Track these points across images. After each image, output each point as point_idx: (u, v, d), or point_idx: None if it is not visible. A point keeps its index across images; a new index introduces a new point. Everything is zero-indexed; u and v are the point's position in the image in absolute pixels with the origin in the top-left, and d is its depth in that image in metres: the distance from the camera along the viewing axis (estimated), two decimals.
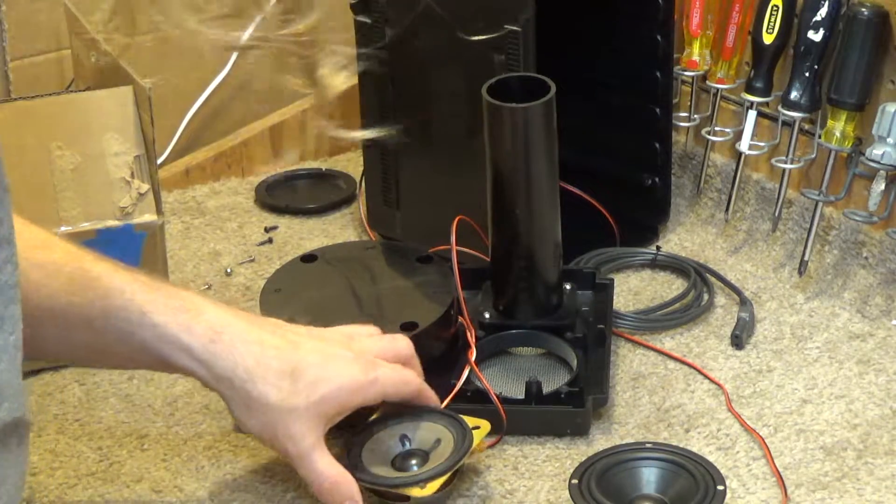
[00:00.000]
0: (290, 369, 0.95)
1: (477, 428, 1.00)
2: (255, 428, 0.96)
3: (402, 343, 1.03)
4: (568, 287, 1.17)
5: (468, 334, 1.11)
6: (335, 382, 0.96)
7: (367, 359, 0.99)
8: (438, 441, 0.99)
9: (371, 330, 1.04)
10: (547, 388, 1.07)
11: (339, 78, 0.84)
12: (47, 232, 0.96)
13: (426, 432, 1.00)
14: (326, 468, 0.95)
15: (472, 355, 1.09)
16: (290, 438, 0.95)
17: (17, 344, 0.73)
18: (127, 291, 0.93)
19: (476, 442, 0.99)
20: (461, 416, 1.01)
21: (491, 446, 1.05)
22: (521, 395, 1.08)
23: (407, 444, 1.00)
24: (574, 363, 1.11)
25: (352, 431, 1.01)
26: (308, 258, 1.23)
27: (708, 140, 1.37)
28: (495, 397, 1.06)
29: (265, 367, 0.95)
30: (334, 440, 0.99)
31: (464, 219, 1.14)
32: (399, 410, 1.02)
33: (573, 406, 1.06)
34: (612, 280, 1.21)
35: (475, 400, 1.07)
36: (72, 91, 1.28)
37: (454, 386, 1.06)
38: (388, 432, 1.01)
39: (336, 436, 1.00)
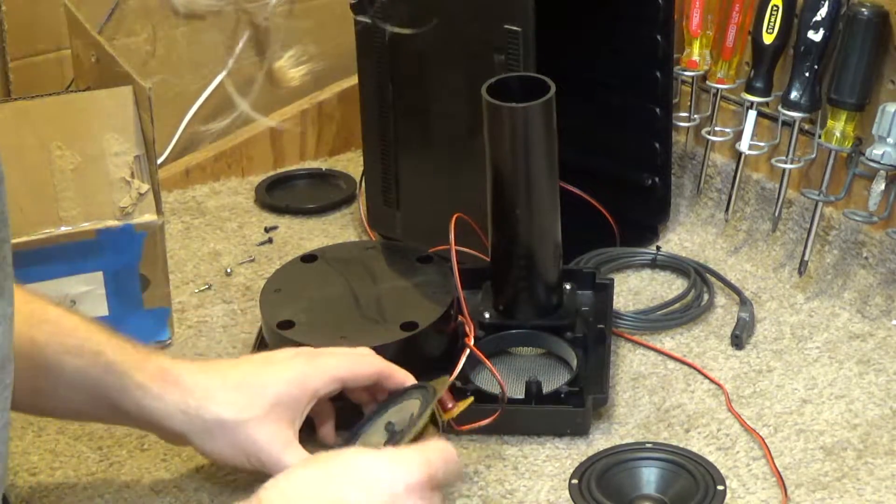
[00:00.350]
0: (236, 384, 0.97)
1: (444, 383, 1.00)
2: (225, 452, 0.96)
3: (362, 349, 1.03)
4: (568, 287, 1.17)
5: (466, 327, 1.11)
6: (282, 379, 0.97)
7: (309, 350, 1.01)
8: (412, 414, 0.99)
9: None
10: (547, 388, 1.07)
11: (296, 72, 0.84)
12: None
13: (405, 412, 1.00)
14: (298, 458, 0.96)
15: (471, 340, 1.09)
16: (259, 450, 0.96)
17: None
18: (81, 333, 0.96)
19: (457, 410, 0.98)
20: (430, 383, 1.00)
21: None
22: (521, 395, 1.08)
23: (392, 429, 0.99)
24: (574, 363, 1.11)
25: (343, 437, 1.01)
26: (308, 258, 1.23)
27: (708, 140, 1.37)
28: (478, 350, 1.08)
29: (213, 390, 0.96)
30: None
31: (462, 217, 1.14)
32: (384, 402, 1.01)
33: (573, 406, 1.07)
34: (613, 280, 1.21)
35: (475, 399, 1.07)
36: (72, 91, 1.28)
37: (457, 373, 1.06)
38: (374, 426, 1.00)
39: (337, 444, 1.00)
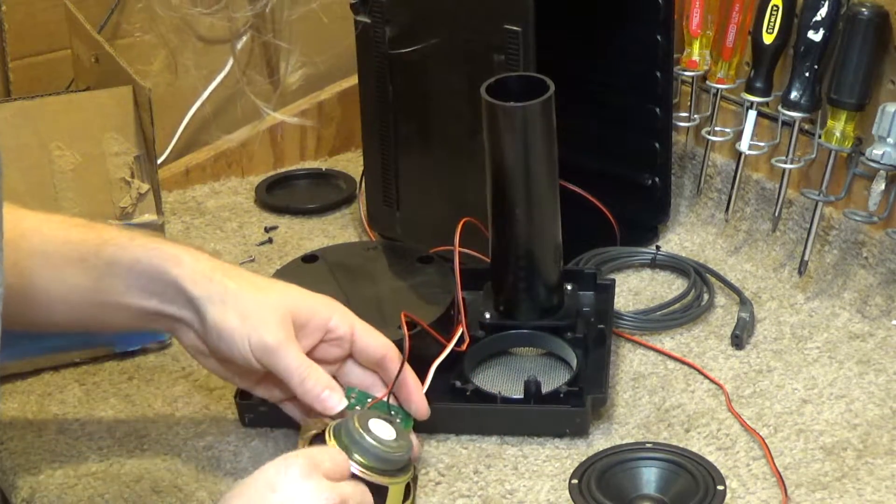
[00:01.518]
0: (265, 282, 1.02)
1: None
2: (230, 324, 0.97)
3: None
4: (569, 287, 1.17)
5: (461, 313, 1.12)
6: (305, 295, 1.02)
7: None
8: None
9: None
10: (546, 388, 1.07)
11: (295, 76, 0.87)
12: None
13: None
14: (300, 358, 0.98)
15: (464, 321, 1.10)
16: (265, 330, 0.97)
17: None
18: (117, 231, 1.00)
19: None
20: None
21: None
22: (521, 395, 1.08)
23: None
24: (574, 363, 1.11)
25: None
26: (309, 258, 1.23)
27: (708, 140, 1.37)
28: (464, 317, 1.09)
29: (240, 276, 1.00)
30: None
31: (471, 220, 1.14)
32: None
33: (572, 405, 1.06)
34: (613, 281, 1.21)
35: (475, 400, 1.07)
36: (72, 91, 1.28)
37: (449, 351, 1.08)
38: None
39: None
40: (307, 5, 0.86)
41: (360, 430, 0.92)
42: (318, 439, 0.95)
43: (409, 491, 0.96)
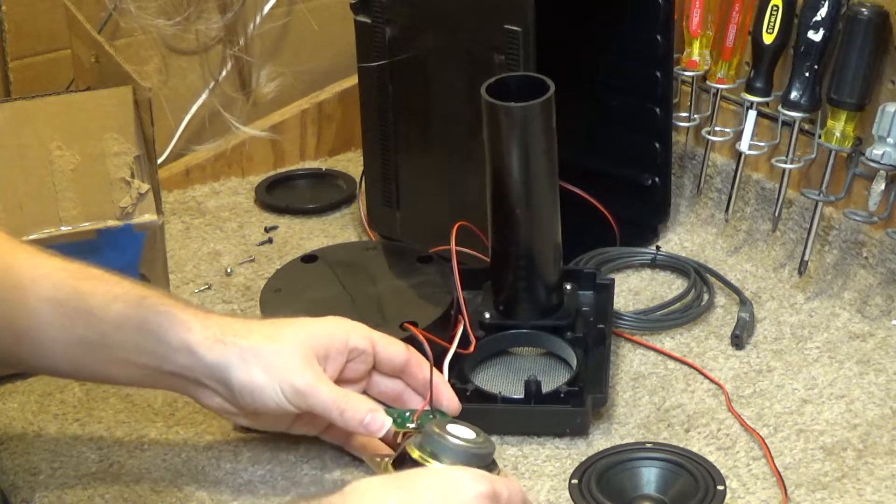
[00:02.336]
0: (275, 325, 1.01)
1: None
2: (257, 380, 0.97)
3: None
4: (569, 287, 1.17)
5: (462, 311, 1.12)
6: (319, 323, 1.02)
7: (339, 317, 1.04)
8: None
9: None
10: (546, 388, 1.07)
11: (269, 87, 0.87)
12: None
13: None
14: (334, 389, 0.98)
15: (468, 323, 1.11)
16: (294, 373, 0.97)
17: None
18: (130, 285, 1.00)
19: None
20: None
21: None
22: (521, 395, 1.08)
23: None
24: (574, 363, 1.11)
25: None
26: (309, 258, 1.23)
27: (708, 140, 1.37)
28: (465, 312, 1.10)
29: (250, 325, 1.00)
30: None
31: (465, 225, 1.14)
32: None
33: (572, 405, 1.06)
34: (613, 280, 1.21)
35: (475, 399, 1.07)
36: (72, 91, 1.28)
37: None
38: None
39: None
40: (278, 21, 0.87)
41: (445, 436, 0.93)
42: (401, 461, 0.95)
43: None
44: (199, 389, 1.00)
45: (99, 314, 0.98)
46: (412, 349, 1.04)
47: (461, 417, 1.02)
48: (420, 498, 0.87)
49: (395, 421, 0.99)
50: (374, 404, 0.99)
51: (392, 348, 1.03)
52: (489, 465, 0.94)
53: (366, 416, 0.98)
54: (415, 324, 1.10)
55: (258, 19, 0.84)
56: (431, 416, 1.01)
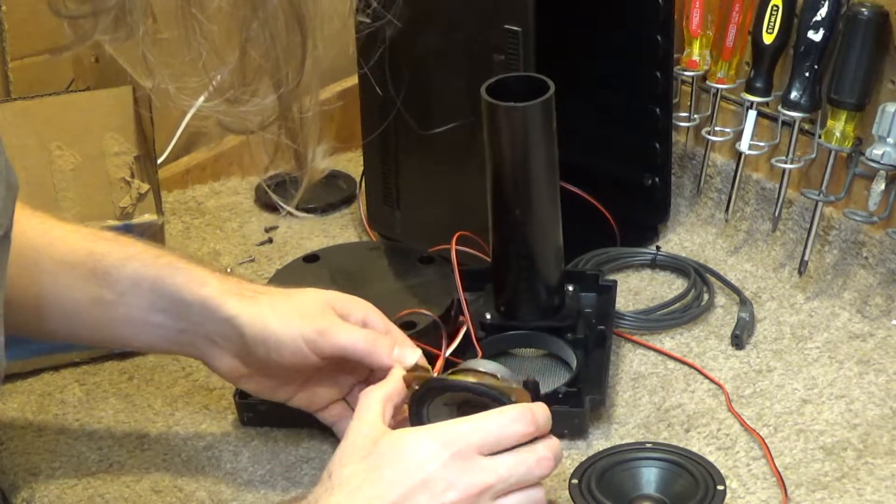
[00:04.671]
0: (293, 290, 1.01)
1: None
2: (281, 332, 0.96)
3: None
4: (570, 289, 1.17)
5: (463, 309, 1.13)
6: (335, 293, 1.01)
7: None
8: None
9: None
10: (545, 389, 1.07)
11: (325, 163, 0.87)
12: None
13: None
14: (357, 331, 0.98)
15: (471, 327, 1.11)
16: (314, 318, 0.97)
17: None
18: (143, 246, 1.00)
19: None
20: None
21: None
22: None
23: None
24: (574, 364, 1.11)
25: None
26: (310, 258, 1.23)
27: (708, 140, 1.37)
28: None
29: (269, 289, 1.01)
30: None
31: (465, 234, 1.14)
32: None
33: (571, 406, 1.06)
34: (615, 282, 1.21)
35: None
36: (72, 91, 1.28)
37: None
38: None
39: None
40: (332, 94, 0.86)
41: (474, 361, 0.96)
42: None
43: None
44: (212, 349, 0.99)
45: (115, 274, 0.98)
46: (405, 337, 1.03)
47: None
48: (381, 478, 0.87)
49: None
50: (402, 339, 1.00)
51: (408, 343, 1.02)
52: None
53: (394, 348, 0.98)
54: (413, 325, 1.10)
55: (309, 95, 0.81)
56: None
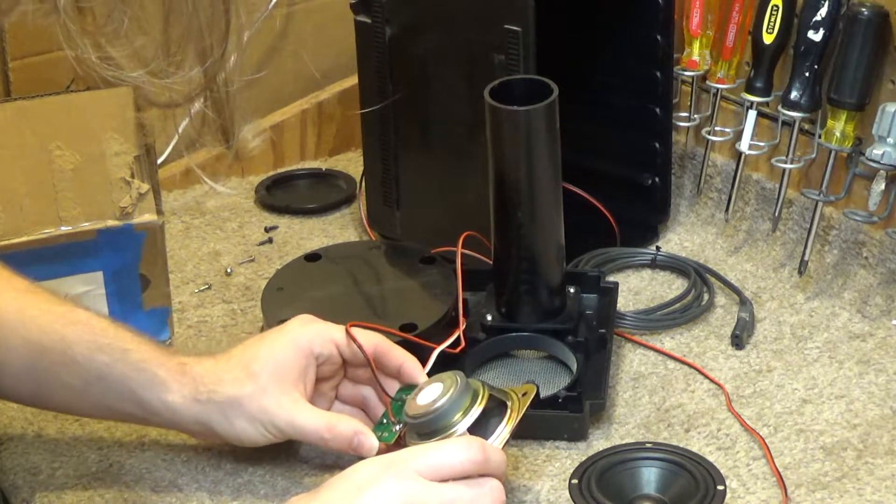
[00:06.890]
0: (237, 361, 1.01)
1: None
2: (246, 429, 0.99)
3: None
4: (572, 290, 1.16)
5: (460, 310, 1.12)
6: (277, 345, 1.01)
7: (308, 316, 1.04)
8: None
9: None
10: (546, 392, 1.07)
11: (255, 143, 0.87)
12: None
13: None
14: (315, 419, 0.99)
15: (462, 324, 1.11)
16: (272, 416, 0.99)
17: None
18: (114, 333, 1.01)
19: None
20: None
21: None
22: None
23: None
24: (574, 367, 1.11)
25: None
26: (311, 257, 1.23)
27: (708, 140, 1.37)
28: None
29: (220, 372, 1.00)
30: None
31: (472, 234, 1.14)
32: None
33: (570, 411, 1.06)
34: (617, 284, 1.21)
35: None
36: (72, 91, 1.28)
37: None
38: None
39: None
40: (262, 71, 0.85)
41: (409, 419, 0.95)
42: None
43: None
44: (189, 431, 1.04)
45: (82, 363, 0.99)
46: (379, 338, 1.03)
47: None
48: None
49: (380, 437, 1.00)
50: (359, 425, 0.99)
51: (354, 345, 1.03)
52: (468, 406, 0.95)
53: (353, 438, 0.98)
54: (414, 326, 1.10)
55: (235, 66, 0.80)
56: (401, 401, 1.01)
